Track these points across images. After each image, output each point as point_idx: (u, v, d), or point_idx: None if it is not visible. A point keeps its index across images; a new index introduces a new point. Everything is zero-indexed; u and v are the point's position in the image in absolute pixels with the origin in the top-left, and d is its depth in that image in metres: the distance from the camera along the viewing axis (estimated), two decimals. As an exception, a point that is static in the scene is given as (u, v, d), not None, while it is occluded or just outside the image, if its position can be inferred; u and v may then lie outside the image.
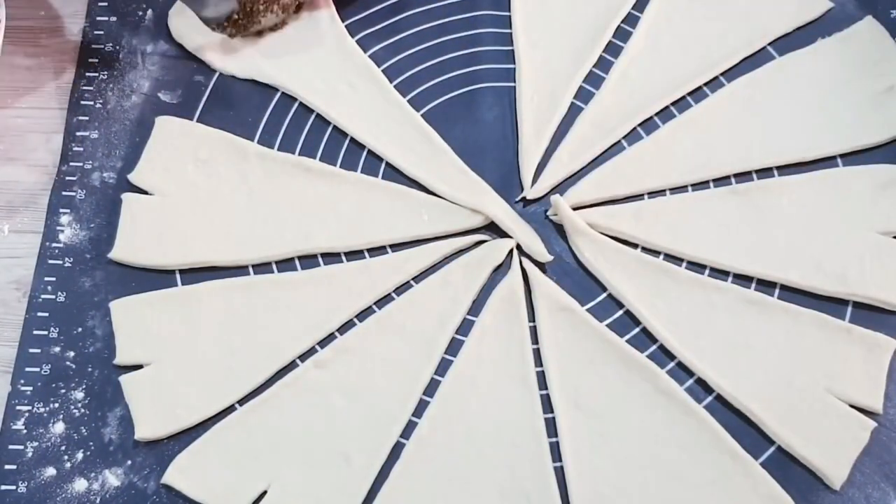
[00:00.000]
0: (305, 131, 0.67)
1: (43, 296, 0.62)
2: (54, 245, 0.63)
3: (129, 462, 0.57)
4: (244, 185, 0.64)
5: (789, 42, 0.68)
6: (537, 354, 0.59)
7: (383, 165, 0.65)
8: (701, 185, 0.64)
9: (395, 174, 0.65)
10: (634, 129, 0.66)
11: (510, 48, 0.69)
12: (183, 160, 0.65)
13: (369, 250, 0.63)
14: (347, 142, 0.66)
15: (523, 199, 0.64)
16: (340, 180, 0.64)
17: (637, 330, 0.60)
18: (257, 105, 0.68)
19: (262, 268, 0.63)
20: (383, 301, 0.62)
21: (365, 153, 0.66)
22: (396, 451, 0.57)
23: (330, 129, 0.67)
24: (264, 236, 0.63)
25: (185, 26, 0.69)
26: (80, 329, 0.61)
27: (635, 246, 0.62)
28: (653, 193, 0.64)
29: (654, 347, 0.59)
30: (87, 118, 0.68)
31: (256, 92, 0.68)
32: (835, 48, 0.67)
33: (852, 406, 0.57)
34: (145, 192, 0.65)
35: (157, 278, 0.62)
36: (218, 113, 0.67)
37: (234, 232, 0.63)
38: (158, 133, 0.66)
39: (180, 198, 0.64)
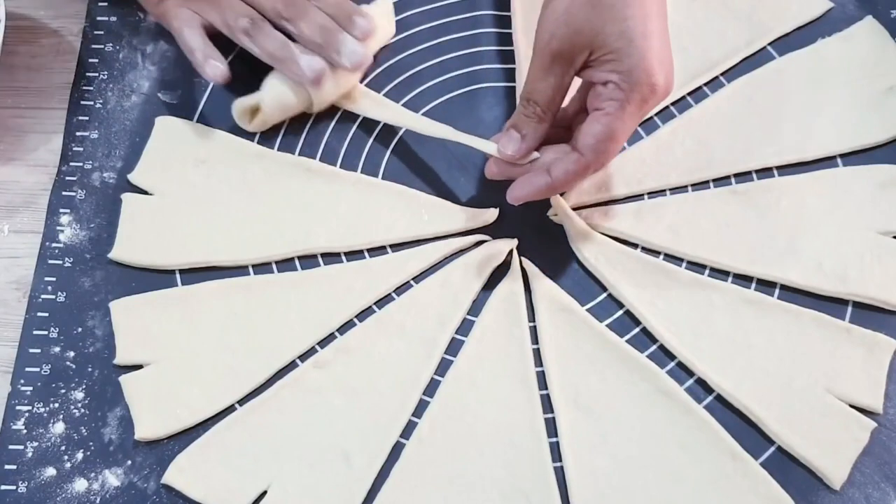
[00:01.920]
0: (305, 131, 0.67)
1: (43, 296, 0.62)
2: (54, 245, 0.63)
3: (129, 462, 0.57)
4: (244, 185, 0.64)
5: (789, 42, 0.68)
6: (537, 354, 0.59)
7: (383, 165, 0.65)
8: (701, 185, 0.64)
9: (395, 174, 0.65)
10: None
11: (510, 48, 0.69)
12: (183, 160, 0.65)
13: (369, 250, 0.63)
14: (347, 142, 0.66)
15: (523, 199, 0.64)
16: (340, 180, 0.64)
17: (637, 330, 0.60)
18: (257, 105, 0.68)
19: (262, 268, 0.63)
20: (383, 301, 0.62)
21: (365, 153, 0.66)
22: (396, 451, 0.57)
23: (330, 128, 0.67)
24: (264, 236, 0.63)
25: None
26: (80, 329, 0.61)
27: (635, 246, 0.62)
28: (653, 193, 0.64)
29: (654, 347, 0.59)
30: (87, 118, 0.68)
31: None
32: (835, 48, 0.67)
33: (852, 406, 0.57)
34: (145, 192, 0.65)
35: (157, 278, 0.62)
36: (218, 113, 0.67)
37: (234, 232, 0.63)
38: (158, 133, 0.66)
39: (180, 198, 0.64)
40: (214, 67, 0.63)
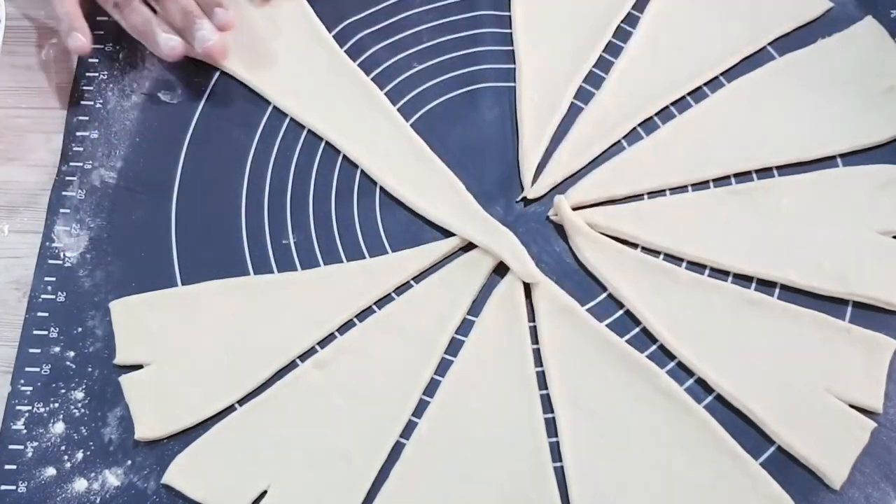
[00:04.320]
0: (305, 131, 0.67)
1: (43, 296, 0.62)
2: (54, 245, 0.63)
3: (129, 462, 0.57)
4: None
5: (789, 42, 0.68)
6: (537, 354, 0.59)
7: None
8: (701, 185, 0.64)
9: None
10: (634, 129, 0.66)
11: (510, 48, 0.69)
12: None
13: (369, 250, 0.63)
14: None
15: (524, 198, 0.64)
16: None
17: (637, 330, 0.60)
18: (258, 105, 0.68)
19: (262, 268, 0.63)
20: (383, 301, 0.62)
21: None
22: (396, 451, 0.57)
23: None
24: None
25: None
26: (80, 329, 0.61)
27: (635, 246, 0.62)
28: (653, 193, 0.64)
29: (654, 347, 0.59)
30: (87, 118, 0.68)
31: (256, 92, 0.68)
32: (835, 48, 0.67)
33: (852, 406, 0.57)
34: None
35: (158, 278, 0.62)
36: (217, 113, 0.67)
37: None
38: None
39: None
40: (75, 39, 0.66)
